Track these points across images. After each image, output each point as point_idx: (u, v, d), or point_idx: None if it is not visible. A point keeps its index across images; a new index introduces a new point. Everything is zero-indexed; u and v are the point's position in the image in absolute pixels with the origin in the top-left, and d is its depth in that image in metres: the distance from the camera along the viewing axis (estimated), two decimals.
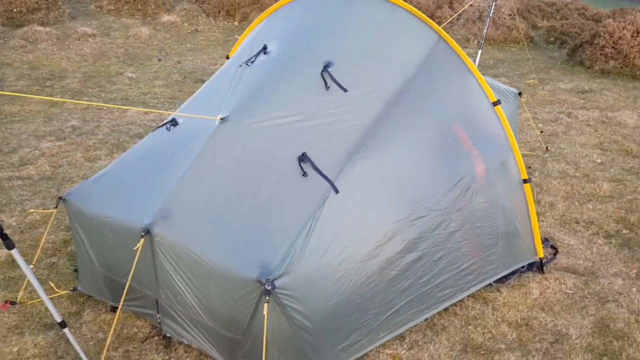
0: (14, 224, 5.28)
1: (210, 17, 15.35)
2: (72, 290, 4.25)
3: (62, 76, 10.54)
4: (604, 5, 17.11)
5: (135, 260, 3.42)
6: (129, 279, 3.48)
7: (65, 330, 3.30)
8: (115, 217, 3.66)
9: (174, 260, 3.41)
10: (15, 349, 3.71)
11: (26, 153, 6.95)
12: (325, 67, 3.88)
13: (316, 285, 3.28)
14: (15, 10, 13.71)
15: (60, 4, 14.49)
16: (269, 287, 3.00)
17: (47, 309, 4.06)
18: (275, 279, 3.04)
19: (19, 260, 3.03)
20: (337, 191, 3.44)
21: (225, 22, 15.38)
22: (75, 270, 4.50)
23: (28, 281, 4.25)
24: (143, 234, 3.39)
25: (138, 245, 3.38)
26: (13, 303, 4.14)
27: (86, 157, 6.85)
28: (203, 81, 10.46)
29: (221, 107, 3.86)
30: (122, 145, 7.20)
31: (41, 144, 7.25)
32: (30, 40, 12.32)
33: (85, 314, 4.06)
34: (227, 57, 5.04)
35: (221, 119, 3.70)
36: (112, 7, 15.12)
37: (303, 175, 3.48)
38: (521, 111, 7.49)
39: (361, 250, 3.49)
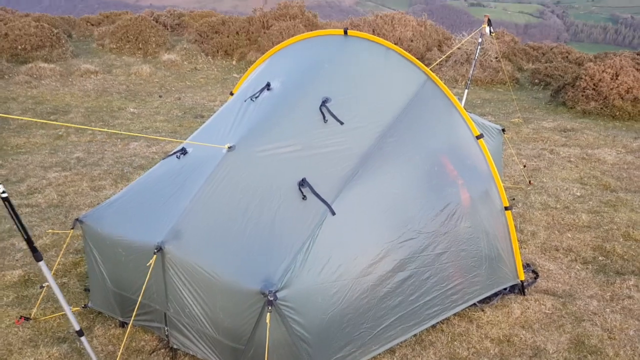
0: (25, 248, 5.55)
1: (209, 57, 15.91)
2: (83, 307, 4.53)
3: (66, 111, 10.94)
4: (590, 50, 17.84)
5: (148, 275, 3.72)
6: (141, 293, 3.78)
7: (83, 338, 3.58)
8: (128, 236, 3.97)
9: (183, 276, 3.72)
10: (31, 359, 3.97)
11: (34, 182, 7.26)
12: (324, 102, 4.27)
13: (314, 299, 3.59)
14: (19, 47, 14.22)
15: (63, 42, 15.01)
16: (272, 298, 3.31)
17: (59, 324, 4.37)
18: (277, 290, 3.35)
19: (45, 271, 3.33)
20: (333, 213, 3.78)
21: (224, 61, 15.93)
22: (85, 290, 4.78)
23: (42, 299, 4.55)
24: (155, 251, 3.70)
25: (151, 261, 3.69)
26: (27, 319, 4.40)
27: (92, 187, 7.16)
28: (202, 117, 10.90)
29: (228, 137, 4.23)
30: (125, 176, 7.54)
31: (48, 174, 7.57)
32: (35, 76, 12.77)
33: (96, 329, 4.33)
34: (231, 94, 5.42)
35: (229, 147, 4.06)
36: (114, 46, 15.65)
37: (303, 198, 3.82)
38: (506, 147, 7.90)
39: (355, 268, 3.80)
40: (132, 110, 11.18)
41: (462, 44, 13.74)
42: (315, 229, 3.69)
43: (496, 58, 15.01)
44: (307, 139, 4.16)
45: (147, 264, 3.70)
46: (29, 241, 3.25)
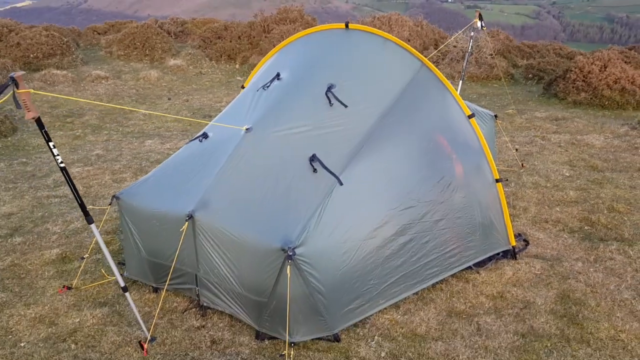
0: (59, 231, 6.08)
1: (213, 61, 16.46)
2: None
3: (81, 114, 11.48)
4: (586, 49, 18.29)
5: (181, 240, 4.23)
6: (175, 257, 4.29)
7: (127, 294, 4.08)
8: (162, 208, 4.49)
9: (212, 240, 4.22)
10: (77, 320, 4.47)
11: (59, 177, 7.78)
12: (329, 88, 4.78)
13: (327, 257, 4.08)
14: (32, 55, 14.78)
15: (73, 50, 15.57)
16: (291, 253, 3.81)
17: (98, 292, 4.87)
18: (296, 247, 3.86)
19: (95, 232, 3.85)
20: (341, 184, 4.28)
21: (227, 65, 16.49)
22: (119, 263, 5.29)
23: (81, 271, 5.07)
24: (187, 218, 4.21)
25: (183, 227, 4.20)
26: (69, 288, 4.91)
27: (114, 179, 7.68)
28: (210, 116, 11.41)
29: (245, 121, 4.74)
30: (144, 169, 8.05)
31: (71, 169, 8.09)
32: (49, 82, 13.33)
33: (132, 294, 4.82)
34: (243, 87, 5.93)
35: (246, 129, 4.58)
36: (122, 53, 16.21)
37: (314, 171, 4.33)
38: (500, 135, 8.42)
39: (362, 232, 4.30)
40: (143, 111, 11.72)
41: (455, 38, 14.26)
42: (325, 197, 4.19)
43: (491, 55, 15.55)
44: (315, 121, 4.67)
45: (180, 230, 4.20)
46: (82, 205, 3.78)
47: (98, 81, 13.88)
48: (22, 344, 4.19)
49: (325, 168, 4.34)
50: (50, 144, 3.55)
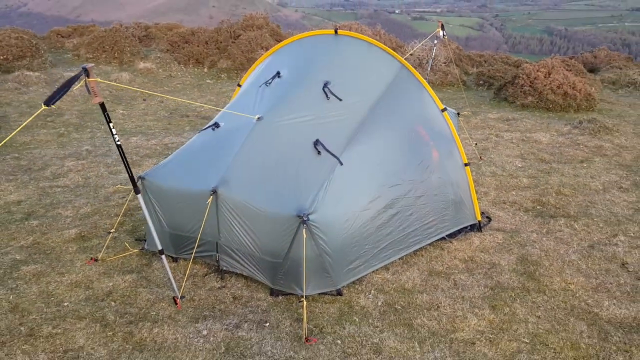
0: (71, 215, 6.63)
1: (181, 65, 16.98)
2: (141, 249, 5.67)
3: (60, 113, 11.85)
4: (527, 59, 19.78)
5: (206, 211, 4.93)
6: (202, 226, 4.98)
7: (162, 256, 4.74)
8: (186, 186, 5.17)
9: (233, 211, 4.94)
10: (110, 284, 5.09)
11: (55, 169, 8.27)
12: (325, 85, 5.59)
13: (332, 224, 4.86)
14: (1, 57, 14.94)
15: (42, 52, 15.80)
16: (305, 219, 4.58)
17: (123, 263, 5.50)
18: (309, 214, 4.63)
19: (141, 202, 4.51)
20: (341, 164, 5.08)
21: (195, 69, 17.04)
22: (137, 239, 5.91)
23: (107, 244, 5.68)
24: (211, 193, 4.91)
25: (209, 200, 4.90)
26: (96, 260, 5.51)
27: (109, 171, 8.23)
28: (187, 116, 12.04)
29: (254, 111, 5.48)
30: (136, 163, 8.62)
31: (65, 163, 8.58)
32: (23, 83, 13.59)
33: (154, 264, 5.48)
34: (239, 85, 6.66)
35: (258, 118, 5.32)
36: (91, 56, 16.53)
37: (318, 153, 5.11)
38: (460, 132, 9.39)
39: (358, 204, 5.11)
40: (121, 112, 12.21)
41: (421, 45, 15.30)
42: (329, 174, 4.98)
43: (445, 63, 16.71)
44: (315, 112, 5.45)
45: (206, 202, 4.90)
46: (132, 177, 4.44)
47: None
48: (65, 304, 4.79)
49: (328, 151, 5.13)
50: (110, 124, 4.20)
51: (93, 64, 3.99)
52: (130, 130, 10.83)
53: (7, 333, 4.36)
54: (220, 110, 5.94)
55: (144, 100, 13.41)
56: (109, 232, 5.89)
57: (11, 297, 4.87)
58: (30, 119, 4.25)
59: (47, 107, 3.78)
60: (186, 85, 15.29)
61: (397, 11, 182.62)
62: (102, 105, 4.10)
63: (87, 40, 17.04)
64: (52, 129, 10.80)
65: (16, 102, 12.36)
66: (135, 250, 5.67)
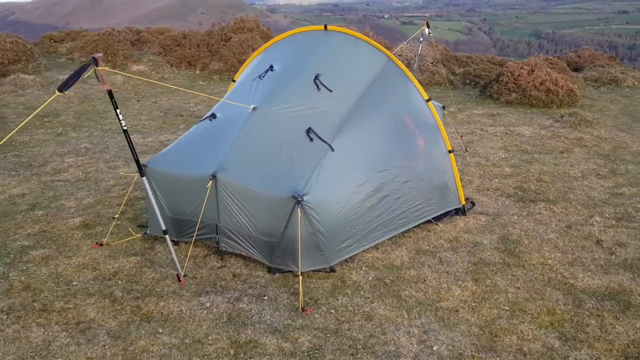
0: (74, 206, 6.92)
1: (174, 67, 17.30)
2: (143, 234, 5.98)
3: (56, 114, 12.13)
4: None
5: (207, 195, 5.25)
6: (202, 210, 5.30)
7: (167, 236, 5.05)
8: (187, 172, 5.49)
9: (232, 194, 5.26)
10: (116, 265, 5.40)
11: (56, 165, 8.55)
12: (316, 77, 5.93)
13: (324, 205, 5.19)
14: None
15: (37, 56, 16.06)
16: (300, 199, 4.91)
17: (127, 247, 5.81)
18: (303, 195, 4.96)
19: (146, 184, 4.83)
20: (333, 150, 5.42)
21: (188, 71, 17.36)
22: (139, 226, 6.22)
23: (111, 230, 5.98)
24: (211, 177, 5.24)
25: (208, 184, 5.23)
26: (101, 244, 5.81)
27: (108, 167, 8.53)
28: (182, 115, 12.35)
29: (249, 102, 5.81)
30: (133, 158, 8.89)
31: (65, 159, 8.87)
32: (19, 86, 13.85)
33: (156, 247, 5.79)
34: (233, 81, 7.00)
35: (253, 108, 5.66)
36: (84, 59, 16.79)
37: (310, 140, 5.45)
38: (447, 127, 9.76)
39: (349, 187, 5.44)
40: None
41: (407, 43, 15.68)
42: (321, 159, 5.32)
43: (432, 63, 17.13)
44: (307, 102, 5.79)
45: (206, 187, 5.23)
46: (137, 161, 4.76)
47: None
48: (74, 283, 5.09)
49: (320, 138, 5.47)
50: (117, 110, 4.53)
51: (102, 54, 4.31)
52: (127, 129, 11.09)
53: (21, 309, 4.66)
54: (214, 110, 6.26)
55: (138, 101, 13.70)
56: (114, 218, 6.20)
57: (23, 277, 5.17)
58: (45, 104, 4.57)
59: (60, 93, 4.10)
60: (179, 87, 15.58)
61: (386, 16, 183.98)
62: (110, 93, 4.43)
63: (80, 44, 17.33)
64: (50, 128, 11.07)
65: (13, 104, 12.62)
66: (139, 235, 5.98)
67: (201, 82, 16.27)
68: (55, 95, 4.18)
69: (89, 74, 4.24)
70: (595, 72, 17.75)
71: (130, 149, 4.79)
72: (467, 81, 16.41)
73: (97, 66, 4.24)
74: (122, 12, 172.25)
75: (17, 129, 4.92)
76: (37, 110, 4.76)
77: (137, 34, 21.23)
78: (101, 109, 12.60)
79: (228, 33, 17.85)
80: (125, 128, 4.66)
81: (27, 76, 14.31)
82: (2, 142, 4.96)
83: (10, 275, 5.21)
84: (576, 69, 19.03)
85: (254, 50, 16.30)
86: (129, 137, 4.77)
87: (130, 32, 21.11)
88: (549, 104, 12.96)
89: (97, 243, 5.83)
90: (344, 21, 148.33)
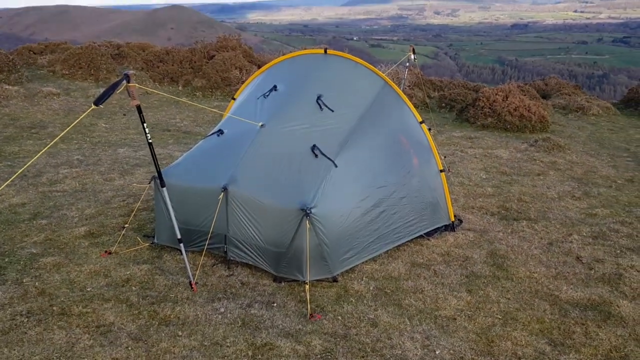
0: (77, 215, 7.08)
1: (156, 83, 17.47)
2: (151, 243, 6.19)
3: (43, 126, 12.20)
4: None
5: (218, 206, 5.52)
6: (213, 221, 5.57)
7: (181, 244, 5.29)
8: (199, 184, 5.76)
9: (242, 206, 5.55)
10: (127, 272, 5.60)
11: (51, 176, 8.67)
12: (319, 97, 6.29)
13: (329, 218, 5.52)
14: None
15: (18, 67, 16.05)
16: (309, 212, 5.23)
17: (135, 256, 6.01)
18: (312, 207, 5.28)
19: (165, 196, 5.07)
20: (336, 166, 5.77)
21: (170, 87, 17.56)
22: (145, 236, 6.43)
23: (120, 238, 6.17)
24: (222, 190, 5.52)
25: (220, 196, 5.51)
26: (110, 253, 6.00)
27: (104, 179, 8.69)
28: (169, 130, 12.55)
29: (256, 119, 6.13)
30: (128, 171, 9.10)
31: (60, 170, 8.99)
32: (2, 96, 13.85)
33: (164, 256, 6.01)
34: (233, 99, 7.31)
35: (261, 125, 5.97)
36: (67, 72, 16.86)
37: (315, 157, 5.78)
38: None
39: (351, 202, 5.79)
40: (104, 125, 12.63)
41: (395, 67, 16.22)
42: (326, 175, 5.66)
43: (409, 86, 17.74)
44: (311, 121, 6.15)
45: (218, 198, 5.50)
46: (159, 172, 5.01)
47: (50, 97, 14.52)
48: (88, 289, 5.28)
49: (324, 154, 5.81)
50: (144, 124, 4.79)
51: (134, 71, 4.58)
52: (116, 142, 11.27)
53: (40, 312, 4.83)
54: (199, 125, 6.55)
55: (124, 115, 13.84)
56: (123, 227, 6.40)
57: (37, 283, 5.32)
58: (83, 116, 4.79)
59: (96, 107, 4.34)
60: (163, 102, 15.79)
61: (355, 38, 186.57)
62: (138, 107, 4.69)
63: (63, 57, 17.35)
64: (38, 140, 11.14)
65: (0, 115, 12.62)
66: (146, 244, 6.19)
67: (184, 98, 16.48)
68: (91, 108, 4.44)
69: (121, 89, 4.50)
70: (563, 99, 18.62)
71: (154, 160, 5.04)
72: (444, 105, 17.04)
73: (128, 82, 4.50)
74: (87, 26, 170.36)
75: (58, 137, 5.11)
76: (76, 121, 4.98)
77: (118, 48, 21.31)
78: (87, 122, 12.70)
79: (211, 51, 18.14)
80: (150, 141, 4.91)
81: (10, 87, 14.31)
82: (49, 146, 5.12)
83: (24, 281, 5.36)
84: (544, 96, 19.90)
85: (236, 68, 16.66)
86: (153, 150, 5.01)
87: (111, 46, 21.18)
88: (522, 129, 13.61)
89: (105, 251, 6.01)
90: (314, 42, 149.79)
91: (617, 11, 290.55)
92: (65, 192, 7.98)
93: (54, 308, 4.90)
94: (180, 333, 4.62)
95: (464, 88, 19.07)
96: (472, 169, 9.90)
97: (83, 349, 4.38)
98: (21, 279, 5.39)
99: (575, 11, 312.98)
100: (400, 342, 4.67)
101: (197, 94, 16.98)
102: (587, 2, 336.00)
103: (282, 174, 5.67)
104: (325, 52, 6.91)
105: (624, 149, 12.17)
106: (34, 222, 6.81)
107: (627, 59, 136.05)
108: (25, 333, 4.52)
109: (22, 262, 5.73)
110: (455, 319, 5.07)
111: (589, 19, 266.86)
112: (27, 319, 4.71)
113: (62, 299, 5.06)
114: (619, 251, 6.57)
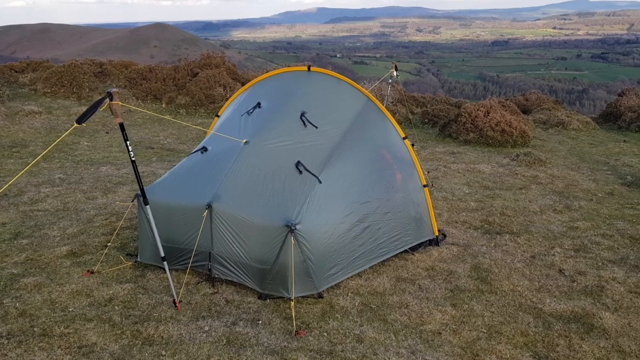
0: (58, 235, 7.00)
1: (140, 100, 17.42)
2: (134, 262, 6.14)
3: (24, 145, 12.09)
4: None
5: (202, 224, 5.51)
6: (198, 239, 5.55)
7: (164, 263, 5.25)
8: (182, 201, 5.74)
9: (226, 223, 5.53)
10: (110, 292, 5.54)
11: (32, 195, 8.58)
12: (302, 114, 6.33)
13: (314, 234, 5.52)
14: None
15: (0, 85, 15.92)
16: (293, 228, 5.23)
17: (118, 275, 5.96)
18: (296, 224, 5.28)
19: (149, 213, 5.04)
20: (320, 182, 5.79)
21: (153, 105, 17.52)
22: (128, 254, 6.37)
23: (103, 257, 6.11)
24: (207, 207, 5.50)
25: (204, 213, 5.49)
26: (92, 272, 5.94)
27: (86, 197, 8.61)
28: (152, 148, 12.50)
29: (240, 136, 6.14)
30: (111, 190, 9.03)
31: (41, 189, 8.90)
32: None
33: (148, 275, 5.95)
34: (217, 116, 7.32)
35: (245, 142, 5.99)
36: (49, 90, 16.76)
37: (300, 173, 5.80)
38: None
39: (335, 218, 5.80)
40: (86, 143, 12.55)
41: (379, 84, 16.35)
42: (310, 191, 5.67)
43: (392, 102, 17.89)
44: (295, 137, 6.17)
45: (202, 215, 5.48)
46: (142, 190, 4.98)
47: (32, 116, 14.42)
48: (70, 309, 5.21)
49: (308, 171, 5.83)
50: (127, 142, 4.77)
51: (117, 89, 4.58)
52: (98, 161, 11.20)
53: (20, 334, 4.75)
54: (182, 142, 6.55)
55: (107, 133, 13.77)
56: (106, 246, 6.33)
57: (17, 304, 5.25)
58: (65, 134, 4.76)
59: (78, 125, 4.32)
60: (146, 120, 15.74)
61: (338, 55, 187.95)
62: (121, 125, 4.68)
63: (45, 75, 17.26)
64: (19, 159, 11.04)
65: None
66: (129, 263, 6.14)
67: (168, 116, 16.44)
68: (74, 127, 4.42)
69: (104, 107, 4.49)
70: (543, 114, 18.88)
71: (137, 178, 5.02)
72: (426, 120, 17.19)
73: (111, 100, 4.50)
74: (69, 44, 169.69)
75: (40, 156, 5.07)
76: (58, 140, 4.93)
77: (100, 66, 21.25)
78: (69, 141, 12.62)
79: (195, 68, 18.17)
80: (133, 159, 4.89)
81: None
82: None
83: (4, 302, 5.28)
84: (525, 111, 20.16)
85: (220, 85, 16.69)
86: (136, 167, 4.99)
87: (93, 64, 21.11)
88: (504, 144, 13.77)
89: (88, 271, 5.95)
90: (297, 59, 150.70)
91: (595, 28, 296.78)
92: (46, 212, 7.90)
93: (35, 329, 4.82)
94: (164, 352, 4.57)
95: (447, 104, 19.28)
96: (455, 184, 9.98)
97: None
98: (1, 300, 5.30)
99: (554, 28, 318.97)
100: (386, 357, 4.66)
101: (181, 111, 16.96)
102: (565, 19, 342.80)
103: (267, 190, 5.68)
104: (309, 69, 6.95)
105: (603, 163, 12.35)
106: (15, 242, 6.72)
107: (606, 74, 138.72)
108: (5, 355, 4.44)
109: (2, 283, 5.65)
110: (440, 333, 5.08)
111: (567, 35, 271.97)
112: (7, 341, 4.63)
113: (43, 320, 4.98)
114: (600, 263, 6.64)
